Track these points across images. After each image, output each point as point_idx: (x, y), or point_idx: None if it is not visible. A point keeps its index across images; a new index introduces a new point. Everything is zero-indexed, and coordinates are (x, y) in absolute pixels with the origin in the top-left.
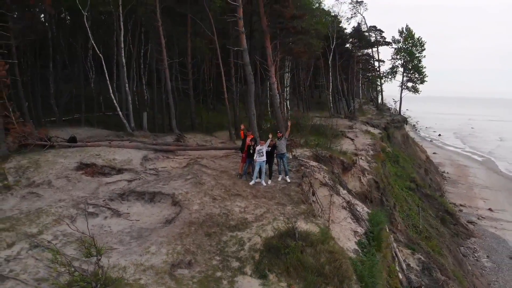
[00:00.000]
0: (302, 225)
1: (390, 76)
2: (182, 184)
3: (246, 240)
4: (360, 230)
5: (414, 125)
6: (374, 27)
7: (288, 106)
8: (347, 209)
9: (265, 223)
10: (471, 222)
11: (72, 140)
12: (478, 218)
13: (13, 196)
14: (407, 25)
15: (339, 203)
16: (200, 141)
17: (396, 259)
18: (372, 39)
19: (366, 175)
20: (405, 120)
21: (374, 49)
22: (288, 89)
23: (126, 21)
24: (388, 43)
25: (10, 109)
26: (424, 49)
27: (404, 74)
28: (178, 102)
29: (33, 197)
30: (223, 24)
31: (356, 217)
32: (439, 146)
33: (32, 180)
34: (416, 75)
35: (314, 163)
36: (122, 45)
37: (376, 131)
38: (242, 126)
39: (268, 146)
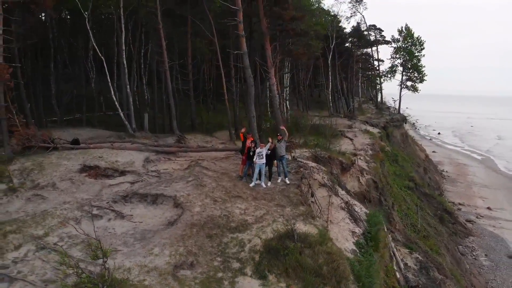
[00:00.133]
0: (301, 227)
1: (389, 75)
2: (183, 186)
3: (247, 241)
4: (358, 230)
5: (413, 124)
6: (374, 26)
7: (288, 106)
8: (346, 209)
9: (265, 224)
10: (469, 221)
11: (75, 142)
12: (477, 217)
13: (18, 198)
14: (406, 25)
15: (338, 203)
16: (201, 142)
17: (394, 258)
18: (372, 38)
19: (365, 175)
20: (404, 119)
21: (374, 48)
22: (287, 89)
23: (126, 22)
24: (387, 42)
25: (14, 112)
26: (423, 48)
27: (404, 73)
28: (178, 102)
29: (38, 199)
30: (223, 25)
31: (354, 218)
32: (438, 145)
33: (36, 182)
34: (416, 74)
35: (313, 164)
36: (123, 47)
37: (375, 130)
38: (243, 130)
39: (268, 149)
